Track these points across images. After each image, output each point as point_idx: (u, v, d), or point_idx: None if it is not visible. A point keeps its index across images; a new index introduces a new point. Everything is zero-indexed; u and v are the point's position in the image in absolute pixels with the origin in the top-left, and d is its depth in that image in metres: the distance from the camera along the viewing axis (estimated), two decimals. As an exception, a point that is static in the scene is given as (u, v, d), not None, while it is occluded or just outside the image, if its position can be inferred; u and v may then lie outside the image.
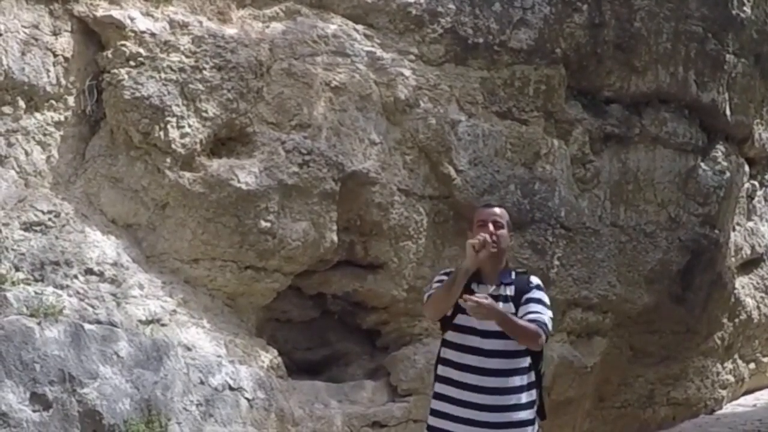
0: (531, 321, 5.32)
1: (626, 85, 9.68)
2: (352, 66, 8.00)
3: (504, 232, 5.46)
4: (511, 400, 5.33)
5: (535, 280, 5.55)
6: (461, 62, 8.60)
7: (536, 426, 5.47)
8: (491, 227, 5.39)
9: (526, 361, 5.40)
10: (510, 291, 5.42)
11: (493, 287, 5.41)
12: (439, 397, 5.45)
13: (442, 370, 5.46)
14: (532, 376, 5.43)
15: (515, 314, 5.35)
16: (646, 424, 10.75)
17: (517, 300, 5.38)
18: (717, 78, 10.36)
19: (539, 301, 5.43)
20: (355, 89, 7.97)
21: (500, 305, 5.34)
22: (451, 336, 5.45)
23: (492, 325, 5.30)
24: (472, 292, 5.36)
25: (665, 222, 9.95)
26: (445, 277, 5.46)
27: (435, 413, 5.45)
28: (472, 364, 5.33)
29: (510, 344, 5.33)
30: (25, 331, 5.98)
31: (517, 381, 5.35)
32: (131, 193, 7.24)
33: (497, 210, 5.58)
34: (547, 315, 5.39)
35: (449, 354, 5.44)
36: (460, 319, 5.38)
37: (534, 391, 5.44)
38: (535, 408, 5.46)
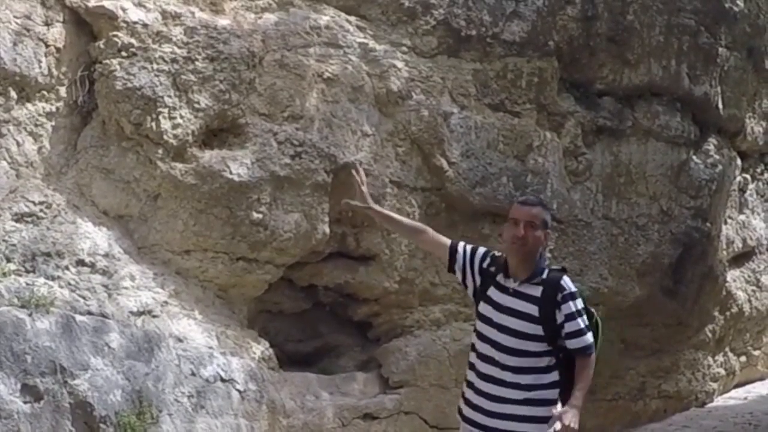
0: (577, 350, 5.22)
1: (619, 78, 9.69)
2: (344, 57, 7.99)
3: (538, 233, 5.23)
4: (522, 395, 5.21)
5: (567, 284, 5.25)
6: (454, 54, 8.60)
7: (548, 424, 5.29)
8: (521, 230, 5.19)
9: (544, 361, 5.24)
10: (536, 291, 5.21)
11: (517, 283, 5.25)
12: (465, 382, 5.41)
13: (470, 356, 5.40)
14: (555, 376, 5.27)
15: (542, 322, 5.19)
16: (637, 417, 10.75)
17: (546, 306, 5.17)
18: (709, 71, 10.37)
19: (578, 315, 5.23)
20: (348, 81, 7.96)
21: (521, 304, 5.21)
22: (477, 323, 5.37)
23: (506, 320, 5.21)
24: (497, 284, 5.28)
25: (657, 215, 9.95)
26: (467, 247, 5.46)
27: (462, 397, 5.41)
28: (489, 355, 5.26)
29: (524, 344, 5.21)
30: (16, 323, 5.96)
31: (530, 379, 5.21)
32: (123, 184, 7.22)
33: (533, 210, 5.28)
34: (589, 333, 5.24)
35: (474, 340, 5.38)
36: (483, 309, 5.31)
37: (551, 391, 5.29)
38: (550, 405, 5.28)
